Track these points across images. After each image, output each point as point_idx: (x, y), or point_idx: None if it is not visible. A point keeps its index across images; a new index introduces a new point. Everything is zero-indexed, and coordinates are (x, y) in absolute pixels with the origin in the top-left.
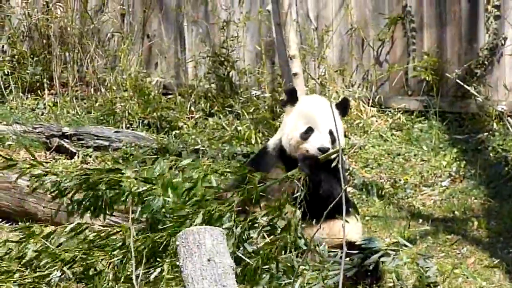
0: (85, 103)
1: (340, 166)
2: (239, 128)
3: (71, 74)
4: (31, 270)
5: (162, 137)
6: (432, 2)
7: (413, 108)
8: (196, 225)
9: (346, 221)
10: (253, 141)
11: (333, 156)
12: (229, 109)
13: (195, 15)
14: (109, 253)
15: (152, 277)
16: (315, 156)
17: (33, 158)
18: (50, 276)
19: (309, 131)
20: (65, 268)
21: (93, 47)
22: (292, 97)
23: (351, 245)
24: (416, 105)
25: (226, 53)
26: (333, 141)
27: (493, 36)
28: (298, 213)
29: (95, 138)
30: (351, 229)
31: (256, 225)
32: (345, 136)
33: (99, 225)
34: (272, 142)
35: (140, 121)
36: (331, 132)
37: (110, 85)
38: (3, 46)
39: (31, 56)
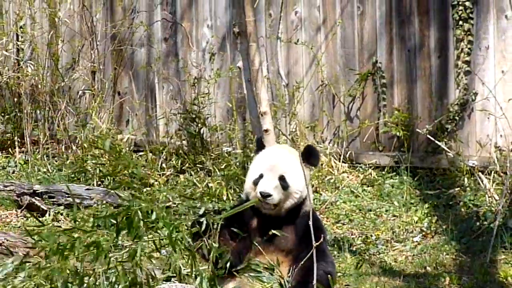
0: (56, 161)
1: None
2: (210, 184)
3: (42, 132)
4: None
5: (133, 194)
6: (402, 58)
7: (384, 164)
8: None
9: None
10: (224, 198)
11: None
12: (200, 165)
13: (165, 72)
14: None
15: None
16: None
17: None
18: None
19: (260, 177)
20: None
21: (64, 104)
22: (258, 146)
23: None
24: (387, 161)
25: (197, 110)
26: (284, 187)
27: (463, 91)
28: None
29: (66, 195)
30: None
31: None
32: (317, 192)
33: None
34: (243, 193)
35: (112, 178)
36: (282, 178)
37: (81, 142)
38: None
39: (2, 114)
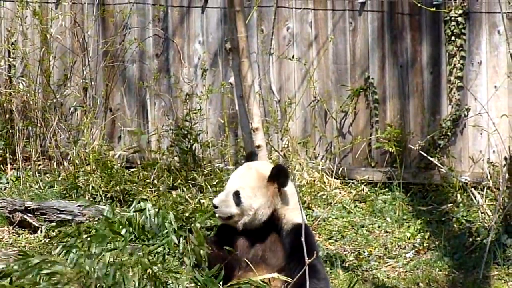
0: (48, 177)
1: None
2: (202, 201)
3: (34, 149)
4: None
5: (125, 211)
6: (394, 74)
7: (377, 180)
8: None
9: None
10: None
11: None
12: (192, 182)
13: (157, 88)
14: None
15: None
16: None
17: None
18: None
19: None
20: None
21: (55, 121)
22: (247, 160)
23: None
24: (380, 177)
25: (189, 126)
26: (237, 203)
27: (456, 107)
28: None
29: (58, 212)
30: None
31: None
32: (309, 208)
33: None
34: None
35: (104, 194)
36: (236, 194)
37: (73, 159)
38: None
39: None
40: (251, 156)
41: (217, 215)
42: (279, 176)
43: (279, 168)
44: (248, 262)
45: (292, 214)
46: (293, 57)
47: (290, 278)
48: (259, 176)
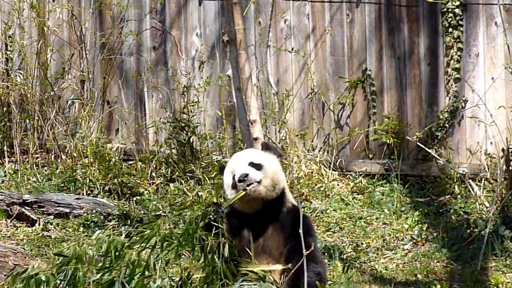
0: (45, 170)
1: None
2: (200, 193)
3: (32, 141)
4: None
5: (123, 204)
6: (392, 66)
7: (375, 172)
8: None
9: None
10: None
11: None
12: (190, 174)
13: (155, 81)
14: None
15: None
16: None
17: None
18: None
19: (233, 178)
20: None
21: (53, 114)
22: (222, 173)
23: None
24: (377, 169)
25: (187, 119)
26: (258, 168)
27: (453, 98)
28: None
29: (56, 205)
30: None
31: None
32: (307, 200)
33: None
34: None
35: (101, 187)
36: (251, 163)
37: (70, 151)
38: None
39: None
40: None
41: (248, 187)
42: (269, 149)
43: (265, 143)
44: (251, 252)
45: (290, 194)
46: (292, 49)
47: (289, 261)
48: (262, 152)
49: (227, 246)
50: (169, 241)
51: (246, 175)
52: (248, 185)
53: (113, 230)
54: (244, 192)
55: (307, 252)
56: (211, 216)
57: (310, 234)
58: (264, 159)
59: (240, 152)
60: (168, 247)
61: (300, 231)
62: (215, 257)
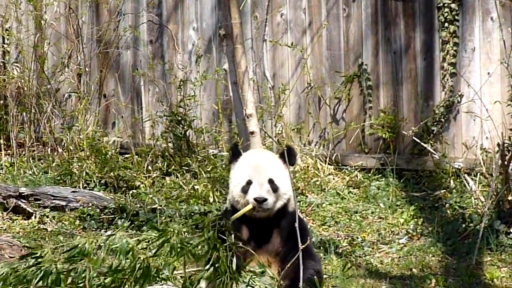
0: (42, 163)
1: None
2: (196, 187)
3: (28, 135)
4: None
5: (119, 197)
6: (388, 60)
7: (370, 166)
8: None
9: None
10: (211, 200)
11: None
12: (186, 168)
13: (151, 74)
14: None
15: None
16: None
17: None
18: None
19: (249, 183)
20: None
21: (50, 107)
22: (234, 153)
23: None
24: (373, 163)
25: (183, 112)
26: (274, 190)
27: (449, 93)
28: None
29: (52, 198)
30: None
31: None
32: (303, 194)
33: None
34: (227, 201)
35: (98, 180)
36: (271, 181)
37: (67, 145)
38: None
39: None
40: (236, 148)
41: (263, 207)
42: (290, 157)
43: (290, 148)
44: (251, 250)
45: (292, 201)
46: (291, 44)
47: (286, 261)
48: (279, 160)
49: (235, 259)
50: (181, 249)
51: (265, 200)
52: (260, 207)
53: (127, 231)
54: (251, 208)
55: (303, 246)
56: (218, 226)
57: (307, 236)
58: (281, 178)
59: (260, 155)
60: (178, 255)
61: (297, 230)
62: (222, 269)
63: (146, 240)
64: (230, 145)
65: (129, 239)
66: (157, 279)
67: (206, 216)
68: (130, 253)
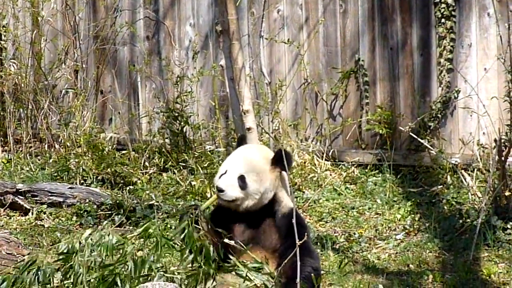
0: (39, 160)
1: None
2: (193, 183)
3: (25, 131)
4: None
5: (117, 193)
6: (384, 56)
7: (367, 162)
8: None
9: None
10: (208, 195)
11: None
12: (183, 164)
13: (148, 70)
14: None
15: None
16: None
17: None
18: None
19: (223, 173)
20: None
21: (47, 103)
22: (239, 144)
23: None
24: (370, 159)
25: (180, 108)
26: (242, 187)
27: (446, 89)
28: None
29: (49, 194)
30: None
31: None
32: (300, 190)
33: None
34: None
35: (94, 177)
36: (242, 177)
37: (64, 141)
38: None
39: None
40: (243, 139)
41: (221, 198)
42: (283, 161)
43: (285, 153)
44: (243, 245)
45: (288, 198)
46: (288, 40)
47: (285, 258)
48: (264, 160)
49: (207, 247)
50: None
51: (222, 192)
52: (219, 197)
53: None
54: (215, 198)
55: (300, 242)
56: (191, 217)
57: (305, 233)
58: (255, 177)
59: (247, 150)
60: (161, 249)
61: (295, 228)
62: (198, 258)
63: (129, 236)
64: (239, 136)
65: (113, 235)
66: (152, 274)
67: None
68: (117, 248)
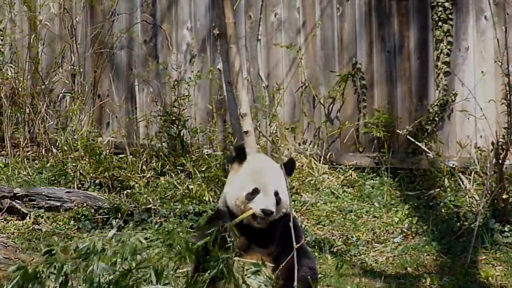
0: (36, 164)
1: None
2: (190, 186)
3: (22, 135)
4: None
5: (114, 197)
6: (382, 59)
7: (365, 165)
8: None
9: None
10: (206, 199)
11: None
12: (181, 167)
13: (145, 74)
14: None
15: None
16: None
17: None
18: None
19: (255, 192)
20: None
21: (44, 107)
22: (240, 155)
23: None
24: (368, 162)
25: (178, 112)
26: (277, 203)
27: (443, 92)
28: None
29: (47, 198)
30: None
31: None
32: (297, 193)
33: None
34: (220, 201)
35: (92, 181)
36: (276, 193)
37: (61, 145)
38: None
39: None
40: (243, 150)
41: (266, 219)
42: (291, 169)
43: (293, 162)
44: (240, 250)
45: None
46: (290, 44)
47: (281, 260)
48: (279, 170)
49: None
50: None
51: (271, 213)
52: (262, 218)
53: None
54: (248, 214)
55: (298, 245)
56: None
57: (301, 235)
58: (284, 190)
59: (268, 165)
60: (183, 260)
61: (292, 229)
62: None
63: (149, 240)
64: (236, 145)
65: (135, 238)
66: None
67: (201, 217)
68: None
